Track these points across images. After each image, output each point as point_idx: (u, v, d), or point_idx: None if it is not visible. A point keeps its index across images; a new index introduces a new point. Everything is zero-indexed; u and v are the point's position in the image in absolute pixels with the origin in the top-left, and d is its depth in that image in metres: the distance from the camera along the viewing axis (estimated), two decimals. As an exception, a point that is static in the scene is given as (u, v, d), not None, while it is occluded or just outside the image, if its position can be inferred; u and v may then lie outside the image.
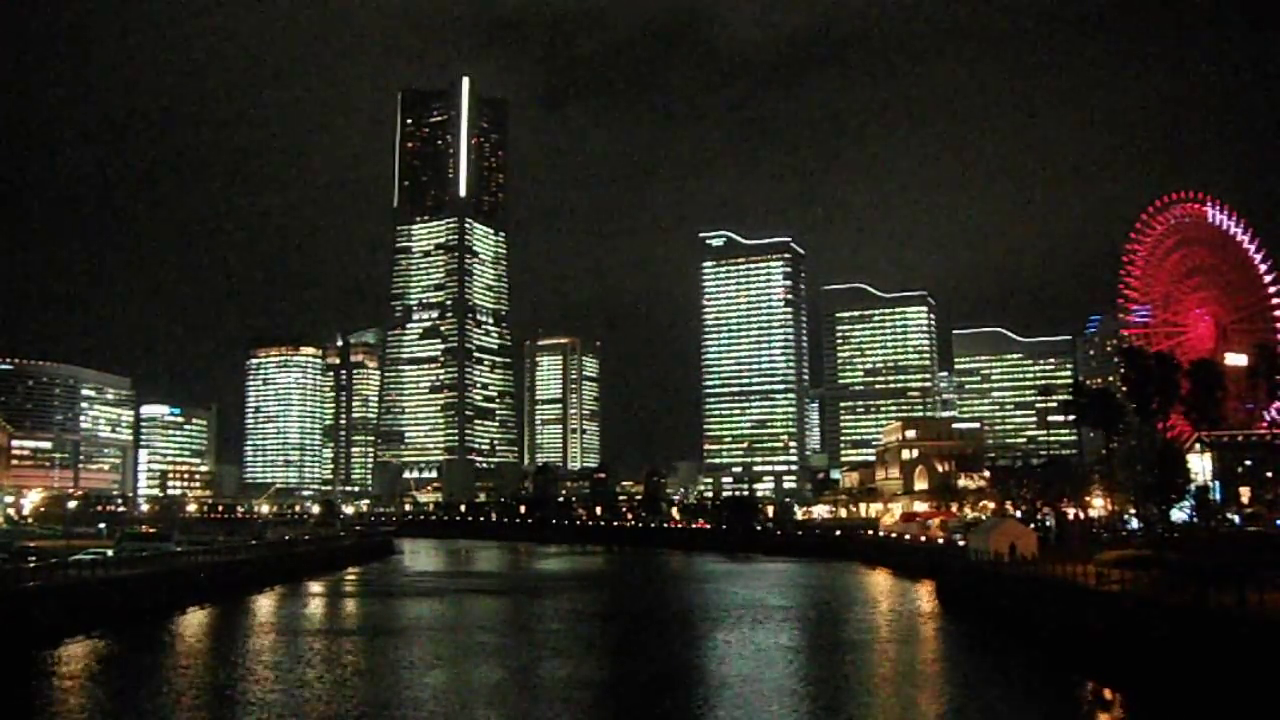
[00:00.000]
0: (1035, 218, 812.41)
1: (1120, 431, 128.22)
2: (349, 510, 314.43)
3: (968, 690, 53.95)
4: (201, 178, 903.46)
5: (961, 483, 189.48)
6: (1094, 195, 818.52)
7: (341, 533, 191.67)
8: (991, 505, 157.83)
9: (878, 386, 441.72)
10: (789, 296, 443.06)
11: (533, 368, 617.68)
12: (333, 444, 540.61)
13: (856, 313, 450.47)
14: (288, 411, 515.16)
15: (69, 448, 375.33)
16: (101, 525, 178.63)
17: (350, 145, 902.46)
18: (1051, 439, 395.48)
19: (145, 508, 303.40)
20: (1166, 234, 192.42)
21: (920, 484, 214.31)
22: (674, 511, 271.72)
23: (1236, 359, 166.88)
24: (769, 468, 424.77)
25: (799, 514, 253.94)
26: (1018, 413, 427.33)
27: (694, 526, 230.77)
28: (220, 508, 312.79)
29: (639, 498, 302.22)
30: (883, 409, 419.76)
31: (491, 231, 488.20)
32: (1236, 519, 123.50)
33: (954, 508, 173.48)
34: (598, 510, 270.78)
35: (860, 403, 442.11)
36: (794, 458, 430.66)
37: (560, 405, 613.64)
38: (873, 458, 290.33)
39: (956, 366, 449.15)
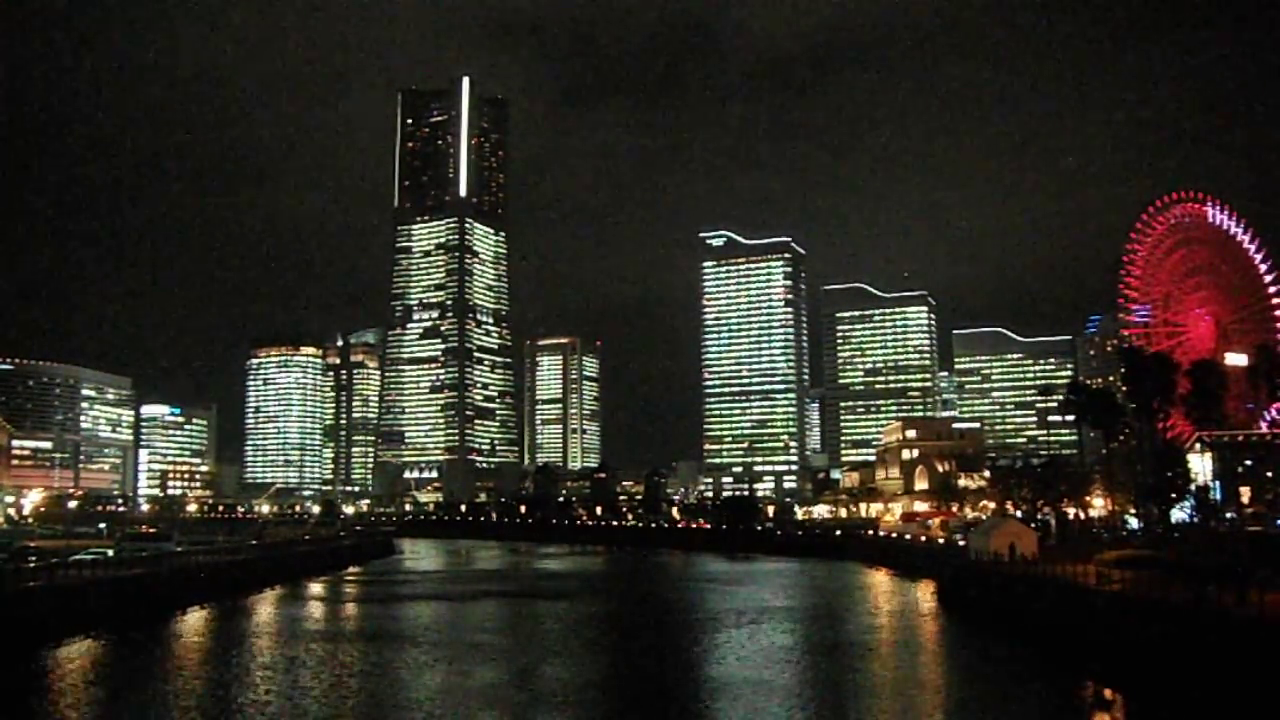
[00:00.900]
0: (1035, 218, 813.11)
1: (1121, 431, 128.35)
2: (349, 510, 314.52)
3: (968, 690, 53.98)
4: (201, 178, 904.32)
5: (962, 483, 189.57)
6: (1094, 195, 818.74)
7: (342, 533, 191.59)
8: (992, 505, 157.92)
9: (878, 386, 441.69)
10: (789, 296, 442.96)
11: (533, 368, 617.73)
12: (333, 444, 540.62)
13: (857, 313, 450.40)
14: (288, 411, 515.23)
15: (69, 448, 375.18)
16: (102, 525, 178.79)
17: (350, 145, 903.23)
18: (1052, 439, 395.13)
19: (145, 508, 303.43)
20: (1167, 234, 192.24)
21: (920, 484, 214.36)
22: (674, 511, 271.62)
23: (1237, 359, 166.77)
24: (769, 468, 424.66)
25: (799, 514, 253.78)
26: (1018, 413, 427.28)
27: (694, 526, 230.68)
28: (220, 508, 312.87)
29: (639, 498, 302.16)
30: (883, 409, 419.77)
31: (492, 231, 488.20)
32: (1236, 519, 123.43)
33: (954, 508, 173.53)
34: (598, 510, 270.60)
35: (860, 403, 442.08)
36: (794, 458, 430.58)
37: (560, 405, 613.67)
38: (873, 458, 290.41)
39: (956, 366, 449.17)
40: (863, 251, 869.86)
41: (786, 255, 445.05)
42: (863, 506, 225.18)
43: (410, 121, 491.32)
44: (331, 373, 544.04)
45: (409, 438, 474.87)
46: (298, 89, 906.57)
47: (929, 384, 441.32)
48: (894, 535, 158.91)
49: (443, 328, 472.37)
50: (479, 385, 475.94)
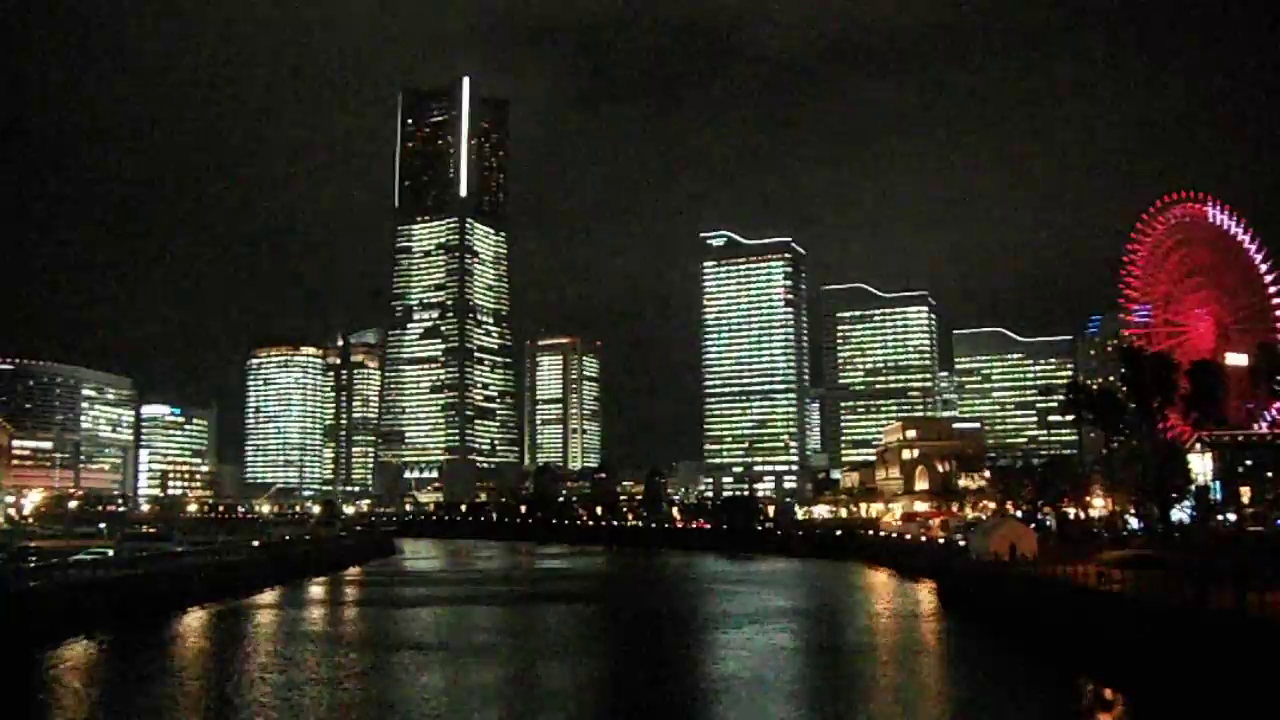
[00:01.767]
0: (1036, 218, 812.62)
1: (1121, 431, 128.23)
2: (350, 510, 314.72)
3: (968, 690, 53.99)
4: (201, 178, 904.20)
5: (962, 483, 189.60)
6: (1094, 195, 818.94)
7: (342, 533, 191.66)
8: (992, 505, 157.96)
9: (878, 386, 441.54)
10: (789, 296, 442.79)
11: (533, 368, 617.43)
12: (333, 444, 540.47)
13: (857, 313, 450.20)
14: (288, 411, 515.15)
15: (70, 448, 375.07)
16: (102, 525, 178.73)
17: (350, 145, 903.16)
18: (1052, 439, 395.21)
19: (146, 508, 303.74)
20: (1167, 234, 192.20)
21: (921, 484, 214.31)
22: (675, 511, 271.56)
23: (1237, 359, 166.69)
24: (769, 468, 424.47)
25: (799, 514, 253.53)
26: (1018, 413, 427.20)
27: (694, 526, 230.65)
28: (221, 508, 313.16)
29: (639, 498, 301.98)
30: (883, 409, 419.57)
31: (492, 231, 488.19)
32: (1237, 519, 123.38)
33: (954, 508, 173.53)
34: (598, 510, 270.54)
35: (861, 403, 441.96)
36: (794, 458, 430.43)
37: (561, 405, 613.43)
38: (873, 458, 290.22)
39: (957, 366, 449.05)
40: (863, 251, 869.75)
41: (787, 255, 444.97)
42: (863, 506, 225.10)
43: (410, 121, 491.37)
44: (332, 373, 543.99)
45: (409, 438, 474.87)
46: (298, 89, 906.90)
47: (929, 384, 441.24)
48: (894, 535, 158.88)
49: (443, 328, 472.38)
50: (479, 385, 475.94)
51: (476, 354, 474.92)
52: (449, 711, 47.20)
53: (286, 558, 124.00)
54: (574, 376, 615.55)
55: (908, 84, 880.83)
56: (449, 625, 79.37)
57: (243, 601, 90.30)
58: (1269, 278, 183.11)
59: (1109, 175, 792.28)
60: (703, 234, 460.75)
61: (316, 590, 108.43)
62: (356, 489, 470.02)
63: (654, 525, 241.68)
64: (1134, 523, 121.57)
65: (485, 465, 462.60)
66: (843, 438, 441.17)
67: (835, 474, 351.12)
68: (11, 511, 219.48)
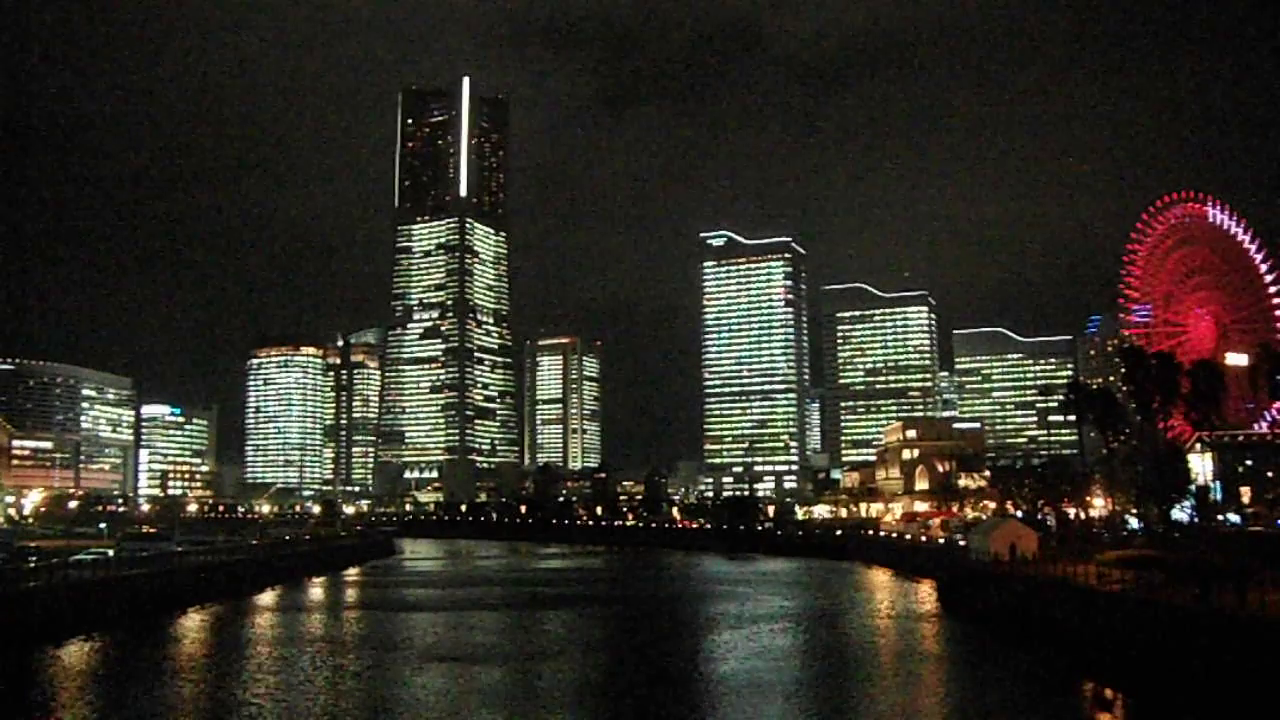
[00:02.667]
0: (1035, 217, 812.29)
1: (1121, 431, 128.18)
2: (350, 510, 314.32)
3: (969, 690, 53.98)
4: (202, 178, 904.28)
5: (962, 483, 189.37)
6: (1094, 195, 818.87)
7: (342, 533, 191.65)
8: (992, 505, 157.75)
9: (878, 386, 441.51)
10: (789, 296, 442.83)
11: (533, 368, 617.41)
12: (333, 444, 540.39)
13: (857, 313, 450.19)
14: (288, 411, 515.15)
15: (70, 448, 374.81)
16: (102, 525, 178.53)
17: (351, 145, 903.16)
18: (1052, 439, 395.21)
19: (146, 508, 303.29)
20: (1167, 234, 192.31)
21: (921, 484, 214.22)
22: (675, 511, 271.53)
23: (1237, 359, 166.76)
24: (770, 468, 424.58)
25: (800, 514, 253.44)
26: (1018, 413, 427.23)
27: (695, 526, 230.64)
28: (221, 508, 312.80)
29: (640, 498, 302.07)
30: (883, 409, 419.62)
31: (492, 231, 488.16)
32: (1237, 519, 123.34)
33: (955, 508, 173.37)
34: (598, 510, 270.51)
35: (861, 403, 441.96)
36: (794, 458, 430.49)
37: (561, 405, 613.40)
38: (873, 458, 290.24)
39: (957, 366, 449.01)
40: (863, 251, 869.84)
41: (787, 255, 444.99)
42: (863, 506, 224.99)
43: (411, 121, 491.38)
44: (332, 373, 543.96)
45: (409, 438, 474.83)
46: (298, 89, 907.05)
47: (929, 384, 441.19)
48: (894, 535, 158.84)
49: (443, 328, 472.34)
50: (479, 385, 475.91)
51: (476, 354, 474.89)
52: (448, 712, 47.19)
53: (286, 558, 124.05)
54: (574, 376, 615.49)
55: (910, 86, 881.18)
56: (449, 625, 79.30)
57: (243, 602, 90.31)
58: (1269, 278, 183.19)
59: (1109, 175, 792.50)
60: (703, 234, 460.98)
61: (316, 590, 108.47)
62: (356, 489, 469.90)
63: (654, 525, 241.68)
64: (1134, 523, 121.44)
65: (485, 465, 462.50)
66: (843, 438, 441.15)
67: (835, 474, 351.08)
68: (12, 511, 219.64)
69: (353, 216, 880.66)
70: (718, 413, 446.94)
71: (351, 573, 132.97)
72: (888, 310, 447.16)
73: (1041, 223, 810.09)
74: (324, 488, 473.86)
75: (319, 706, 47.32)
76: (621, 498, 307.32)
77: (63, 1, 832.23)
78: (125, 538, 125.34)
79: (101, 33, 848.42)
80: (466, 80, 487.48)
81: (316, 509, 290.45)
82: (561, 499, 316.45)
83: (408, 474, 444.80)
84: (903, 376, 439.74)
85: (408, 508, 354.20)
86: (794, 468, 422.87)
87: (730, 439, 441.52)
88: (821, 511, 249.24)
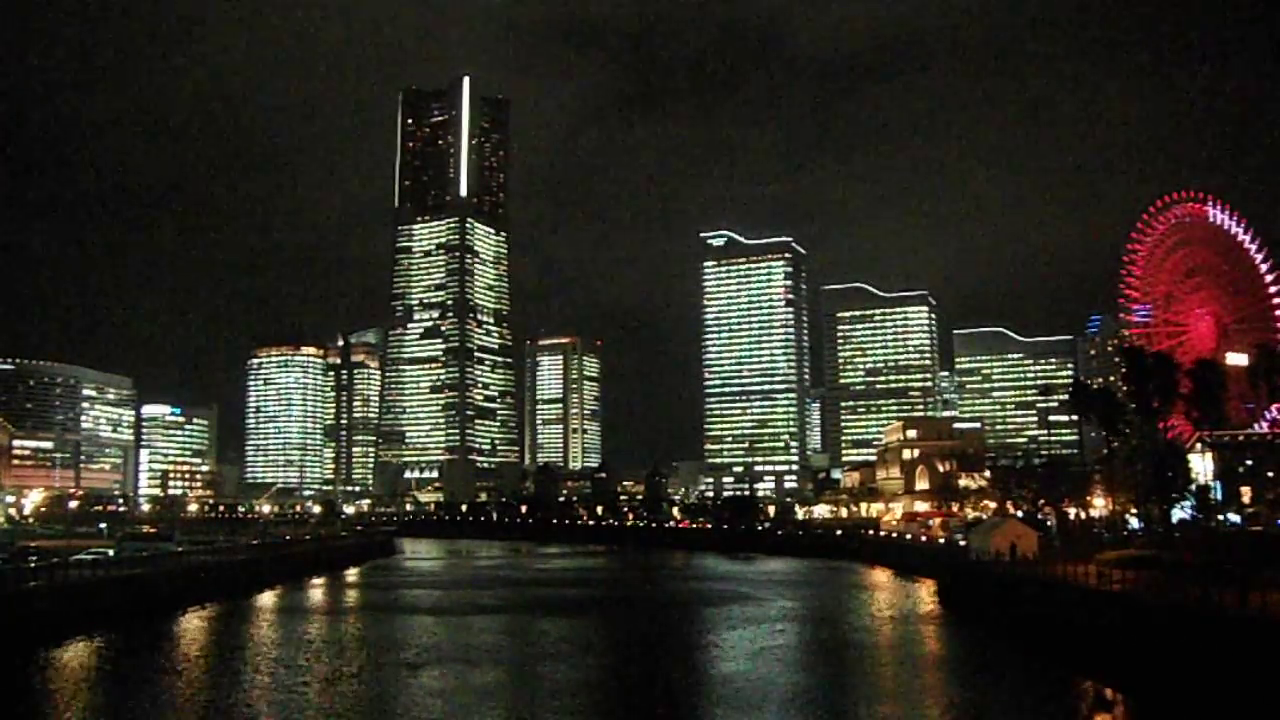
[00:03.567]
0: (1036, 218, 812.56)
1: (1121, 431, 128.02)
2: (350, 510, 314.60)
3: (969, 690, 53.94)
4: (202, 178, 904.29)
5: (962, 482, 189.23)
6: (1094, 195, 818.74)
7: (343, 532, 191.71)
8: (992, 505, 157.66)
9: (878, 386, 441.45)
10: (790, 296, 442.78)
11: (533, 367, 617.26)
12: (334, 444, 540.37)
13: (857, 312, 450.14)
14: (289, 411, 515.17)
15: (70, 448, 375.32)
16: (102, 525, 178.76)
17: (351, 145, 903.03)
18: (1052, 439, 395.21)
19: (146, 508, 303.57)
20: (1167, 234, 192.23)
21: (921, 484, 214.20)
22: (675, 511, 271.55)
23: (1237, 359, 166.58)
24: (770, 467, 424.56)
25: (800, 514, 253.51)
26: (1019, 412, 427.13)
27: (695, 526, 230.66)
28: (221, 507, 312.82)
29: (640, 497, 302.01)
30: (883, 409, 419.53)
31: (492, 231, 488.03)
32: (1237, 519, 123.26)
33: (955, 507, 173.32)
34: (599, 510, 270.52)
35: (861, 402, 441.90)
36: (795, 457, 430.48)
37: (561, 405, 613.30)
38: (874, 457, 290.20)
39: (957, 366, 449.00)
40: (863, 251, 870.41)
41: (787, 255, 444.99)
42: (863, 506, 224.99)
43: (411, 121, 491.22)
44: (332, 373, 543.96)
45: (410, 437, 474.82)
46: (299, 89, 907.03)
47: (930, 384, 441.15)
48: (895, 535, 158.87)
49: (443, 328, 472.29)
50: (479, 385, 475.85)
51: (477, 354, 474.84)
52: (447, 712, 47.17)
53: (286, 558, 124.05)
54: (574, 376, 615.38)
55: (910, 88, 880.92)
56: (448, 627, 79.26)
57: (242, 602, 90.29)
58: (1269, 277, 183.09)
59: (1109, 175, 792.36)
60: (703, 234, 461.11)
61: (316, 590, 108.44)
62: (357, 489, 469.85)
63: (654, 525, 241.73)
64: (1134, 523, 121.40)
65: (485, 465, 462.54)
66: (843, 437, 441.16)
67: (836, 474, 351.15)
68: (12, 511, 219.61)
69: (353, 216, 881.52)
70: (718, 413, 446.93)
71: (352, 573, 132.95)
72: (888, 310, 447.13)
73: (1041, 223, 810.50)
74: (324, 488, 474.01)
75: (318, 707, 47.30)
76: (622, 498, 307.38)
77: (62, 3, 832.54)
78: (125, 538, 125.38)
79: (100, 33, 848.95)
80: (467, 80, 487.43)
81: (317, 509, 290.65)
82: (562, 499, 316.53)
83: (408, 474, 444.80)
84: (903, 376, 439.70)
85: (408, 508, 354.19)
86: (794, 468, 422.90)
87: (730, 439, 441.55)
88: (822, 511, 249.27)
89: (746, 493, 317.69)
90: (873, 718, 47.98)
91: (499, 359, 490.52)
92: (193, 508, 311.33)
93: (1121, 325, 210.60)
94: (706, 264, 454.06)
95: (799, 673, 58.45)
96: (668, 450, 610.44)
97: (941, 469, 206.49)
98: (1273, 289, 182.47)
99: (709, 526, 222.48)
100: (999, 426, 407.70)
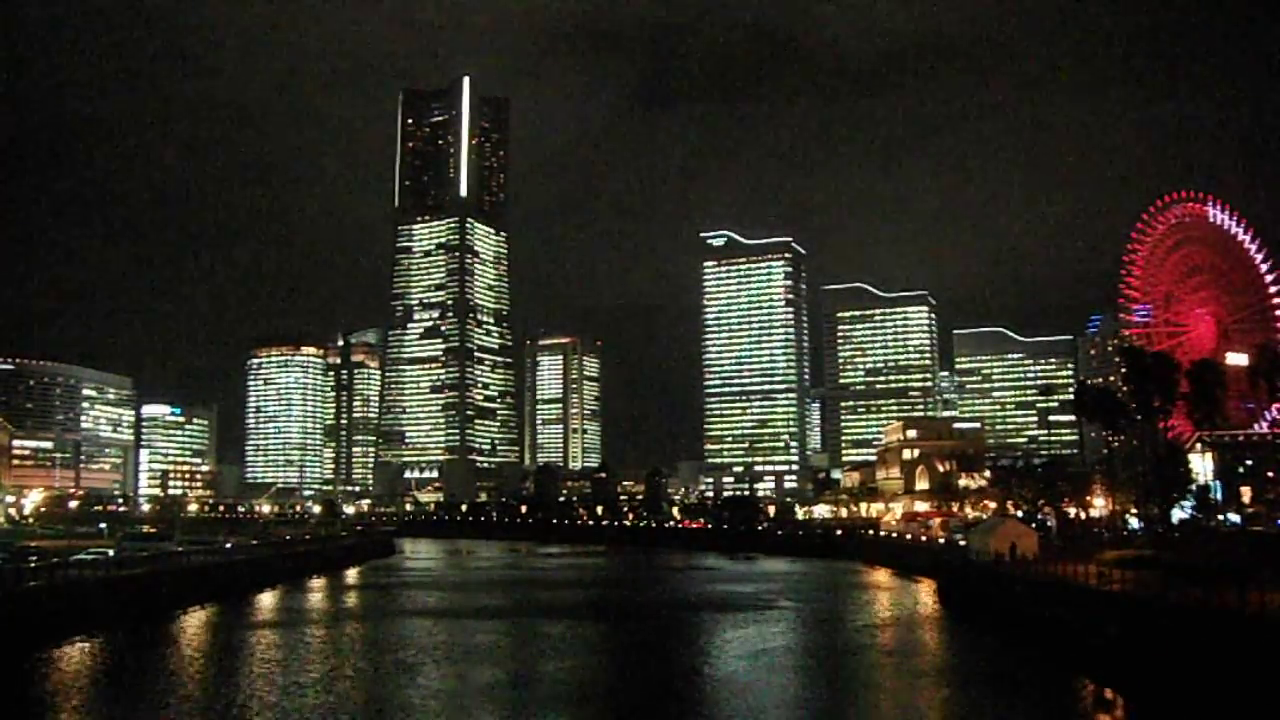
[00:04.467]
0: (1035, 218, 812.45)
1: (1122, 431, 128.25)
2: (350, 510, 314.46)
3: (969, 690, 53.96)
4: (202, 178, 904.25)
5: (962, 482, 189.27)
6: (1094, 195, 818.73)
7: (343, 532, 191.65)
8: (993, 505, 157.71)
9: (878, 386, 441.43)
10: (790, 296, 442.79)
11: (533, 367, 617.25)
12: (334, 444, 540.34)
13: (857, 312, 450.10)
14: (289, 411, 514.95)
15: (70, 448, 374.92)
16: (102, 525, 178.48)
17: (351, 145, 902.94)
18: (1053, 439, 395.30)
19: (146, 507, 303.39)
20: (1167, 233, 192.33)
21: (921, 484, 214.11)
22: (675, 511, 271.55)
23: (1237, 359, 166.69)
24: (770, 467, 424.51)
25: (800, 514, 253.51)
26: (1019, 412, 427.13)
27: (695, 526, 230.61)
28: (221, 507, 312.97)
29: (640, 497, 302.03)
30: (883, 409, 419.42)
31: (492, 231, 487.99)
32: (1237, 519, 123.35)
33: (955, 507, 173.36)
34: (599, 510, 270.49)
35: (861, 402, 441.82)
36: (795, 457, 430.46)
37: (561, 405, 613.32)
38: (874, 457, 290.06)
39: (957, 366, 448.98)
40: (863, 251, 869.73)
41: (787, 255, 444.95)
42: (863, 506, 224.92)
43: (411, 121, 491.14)
44: (332, 372, 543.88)
45: (409, 437, 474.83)
46: (299, 88, 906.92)
47: (930, 384, 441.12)
48: (895, 535, 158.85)
49: (443, 327, 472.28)
50: (479, 385, 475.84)
51: (477, 354, 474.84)
52: (448, 711, 47.17)
53: (286, 558, 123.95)
54: (574, 376, 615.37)
55: (910, 90, 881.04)
56: (449, 624, 79.25)
57: (242, 602, 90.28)
58: (1269, 277, 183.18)
59: (1109, 175, 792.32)
60: (703, 234, 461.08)
61: (316, 591, 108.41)
62: (357, 489, 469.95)
63: (654, 525, 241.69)
64: (1135, 522, 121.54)
65: (485, 465, 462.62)
66: (843, 437, 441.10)
67: (836, 474, 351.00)
68: (12, 511, 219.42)
69: (353, 216, 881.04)
70: (718, 413, 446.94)
71: (351, 573, 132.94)
72: (888, 310, 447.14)
73: (1041, 223, 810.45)
74: (324, 487, 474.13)
75: (318, 707, 47.29)
76: (622, 497, 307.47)
77: (62, 3, 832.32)
78: (125, 538, 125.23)
79: (99, 34, 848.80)
80: (467, 80, 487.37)
81: (317, 509, 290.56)
82: (562, 499, 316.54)
83: (408, 474, 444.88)
84: (903, 376, 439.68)
85: (408, 507, 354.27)
86: (794, 467, 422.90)
87: (730, 439, 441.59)
88: (822, 511, 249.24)
89: (746, 493, 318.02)
90: (873, 718, 47.94)
91: (499, 359, 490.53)
92: (193, 508, 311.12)
93: (1122, 325, 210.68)
94: (706, 264, 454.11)
95: (799, 673, 58.44)
96: (668, 450, 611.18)
97: (941, 469, 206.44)
98: (1273, 289, 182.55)
99: (709, 526, 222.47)
100: (999, 426, 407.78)
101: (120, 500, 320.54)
